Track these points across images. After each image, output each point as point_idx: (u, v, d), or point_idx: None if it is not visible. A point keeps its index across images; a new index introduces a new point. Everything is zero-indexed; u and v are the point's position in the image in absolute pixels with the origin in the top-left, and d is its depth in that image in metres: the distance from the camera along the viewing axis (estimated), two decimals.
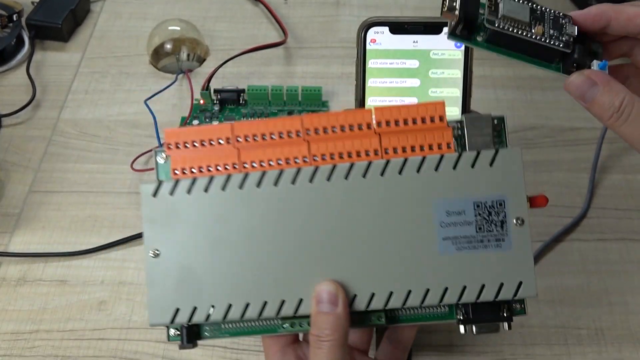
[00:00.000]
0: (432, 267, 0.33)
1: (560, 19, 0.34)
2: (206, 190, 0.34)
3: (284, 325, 0.34)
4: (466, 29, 0.34)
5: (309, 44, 0.67)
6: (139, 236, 0.52)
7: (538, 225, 0.51)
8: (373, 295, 0.33)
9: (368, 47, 0.45)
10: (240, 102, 0.60)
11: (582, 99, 0.34)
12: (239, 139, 0.34)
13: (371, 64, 0.45)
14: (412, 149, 0.34)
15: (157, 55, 0.64)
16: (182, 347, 0.35)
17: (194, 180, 0.34)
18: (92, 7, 0.71)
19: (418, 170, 0.33)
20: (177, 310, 0.34)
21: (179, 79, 0.63)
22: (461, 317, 0.34)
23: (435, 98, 0.45)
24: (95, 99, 0.62)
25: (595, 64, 0.34)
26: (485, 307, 0.34)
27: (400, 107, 0.34)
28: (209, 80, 0.60)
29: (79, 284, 0.50)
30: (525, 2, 0.34)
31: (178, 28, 0.64)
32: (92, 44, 0.67)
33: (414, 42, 0.45)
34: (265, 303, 0.33)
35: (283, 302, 0.33)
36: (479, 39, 0.35)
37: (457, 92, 0.45)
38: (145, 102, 0.58)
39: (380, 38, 0.45)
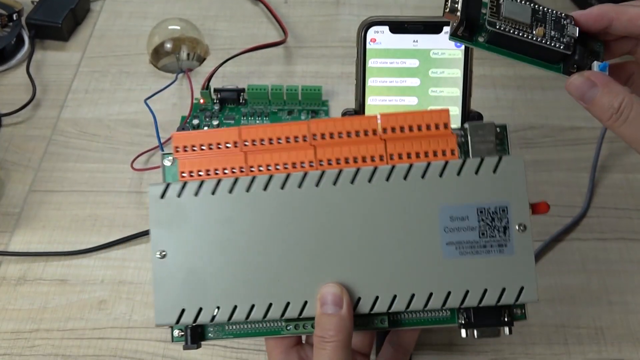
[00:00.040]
0: (435, 272, 0.34)
1: (562, 20, 0.34)
2: (213, 192, 0.34)
3: (288, 327, 0.35)
4: (467, 30, 0.34)
5: (309, 43, 0.67)
6: (139, 235, 0.52)
7: (538, 225, 0.51)
8: (377, 298, 0.34)
9: (368, 46, 0.45)
10: (240, 101, 0.60)
11: (582, 99, 0.34)
12: (246, 143, 0.35)
13: (371, 63, 0.45)
14: (417, 155, 0.34)
15: (157, 54, 0.64)
16: (186, 347, 0.35)
17: (201, 183, 0.34)
18: (92, 7, 0.71)
19: (423, 176, 0.34)
20: (183, 310, 0.34)
21: (179, 78, 0.63)
22: (463, 322, 0.35)
23: (435, 97, 0.45)
24: (95, 98, 0.62)
25: (595, 65, 0.34)
26: (486, 312, 0.34)
27: (406, 114, 0.35)
28: (209, 79, 0.60)
29: (79, 283, 0.50)
30: (527, 3, 0.34)
31: (178, 27, 0.64)
32: (92, 43, 0.67)
33: (414, 41, 0.45)
34: (270, 305, 0.34)
35: (288, 303, 0.34)
36: (481, 39, 0.35)
37: (457, 92, 0.45)
38: (145, 101, 0.58)
39: (380, 37, 0.45)
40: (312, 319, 0.34)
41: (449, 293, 0.33)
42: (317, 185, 0.34)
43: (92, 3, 0.71)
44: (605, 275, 0.50)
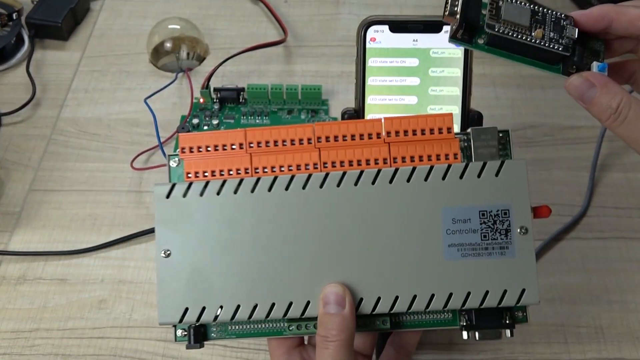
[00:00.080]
0: (437, 273, 0.34)
1: (562, 21, 0.34)
2: (218, 193, 0.35)
3: (291, 328, 0.35)
4: (467, 33, 0.35)
5: (309, 42, 0.67)
6: (139, 235, 0.52)
7: (538, 224, 0.50)
8: (379, 299, 0.34)
9: (368, 45, 0.45)
10: (240, 100, 0.60)
11: (581, 99, 0.34)
12: (251, 144, 0.35)
13: (371, 62, 0.45)
14: (420, 158, 0.35)
15: (157, 53, 0.64)
16: (189, 347, 0.35)
17: (206, 183, 0.35)
18: (92, 6, 0.71)
19: (426, 179, 0.34)
20: (186, 310, 0.34)
21: (178, 78, 0.63)
22: (464, 323, 0.35)
23: (435, 96, 0.45)
24: (95, 98, 0.62)
25: (594, 65, 0.34)
26: (488, 314, 0.34)
27: (410, 118, 0.35)
28: (208, 78, 0.60)
29: (79, 282, 0.50)
30: (527, 5, 0.34)
31: (178, 27, 0.64)
32: (92, 43, 0.67)
33: (413, 40, 0.45)
34: (273, 304, 0.34)
35: (291, 303, 0.34)
36: (480, 42, 0.35)
37: (457, 91, 0.45)
38: (145, 100, 0.58)
39: (380, 37, 0.45)
40: (315, 319, 0.34)
41: (451, 294, 0.34)
42: (321, 186, 0.34)
43: (91, 2, 0.71)
44: (605, 275, 0.50)
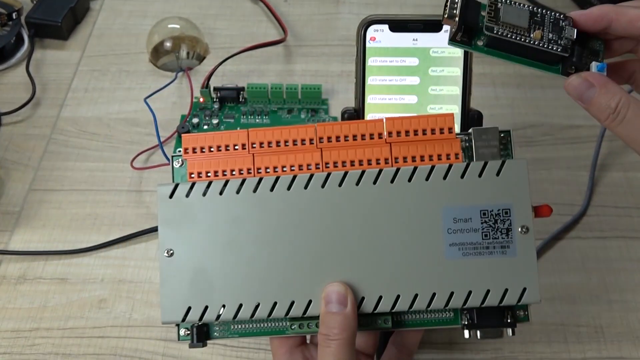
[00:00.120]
0: (438, 272, 0.34)
1: (561, 22, 0.35)
2: (221, 193, 0.35)
3: (293, 327, 0.35)
4: (466, 35, 0.35)
5: (309, 42, 0.67)
6: (138, 234, 0.52)
7: (538, 223, 0.50)
8: (380, 298, 0.34)
9: (368, 45, 0.45)
10: (240, 100, 0.60)
11: (580, 100, 0.34)
12: (254, 145, 0.36)
13: (371, 61, 0.45)
14: (422, 158, 0.35)
15: (157, 53, 0.64)
16: (192, 346, 0.36)
17: (209, 183, 0.35)
18: (91, 5, 0.71)
19: (427, 179, 0.34)
20: (189, 309, 0.35)
21: (178, 77, 0.63)
22: (466, 323, 0.35)
23: (435, 96, 0.45)
24: (95, 97, 0.62)
25: (593, 65, 0.35)
26: (489, 313, 0.35)
27: (411, 118, 0.35)
28: (208, 78, 0.60)
29: (79, 282, 0.50)
30: (525, 7, 0.34)
31: (178, 26, 0.64)
32: (91, 42, 0.67)
33: (413, 40, 0.45)
34: (275, 303, 0.34)
35: (293, 302, 0.34)
36: (479, 43, 0.35)
37: (457, 90, 0.45)
38: (145, 100, 0.58)
39: (380, 36, 0.45)
40: (317, 318, 0.34)
41: (452, 293, 0.34)
42: (322, 186, 0.35)
43: (91, 2, 0.71)
44: (605, 274, 0.50)
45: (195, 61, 0.65)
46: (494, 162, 0.34)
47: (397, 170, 0.34)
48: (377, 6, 0.70)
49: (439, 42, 0.44)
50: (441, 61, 0.45)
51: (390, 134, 0.35)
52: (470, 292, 0.34)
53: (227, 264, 0.35)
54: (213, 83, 0.60)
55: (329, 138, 0.35)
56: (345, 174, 0.34)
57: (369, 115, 0.45)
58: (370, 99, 0.45)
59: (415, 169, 0.34)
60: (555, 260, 0.51)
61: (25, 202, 0.55)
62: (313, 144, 0.35)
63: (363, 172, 0.34)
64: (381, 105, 0.45)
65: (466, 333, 0.35)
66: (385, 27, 0.44)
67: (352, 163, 0.35)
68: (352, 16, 0.69)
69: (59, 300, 0.49)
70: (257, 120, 0.59)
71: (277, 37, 0.65)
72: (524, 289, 0.34)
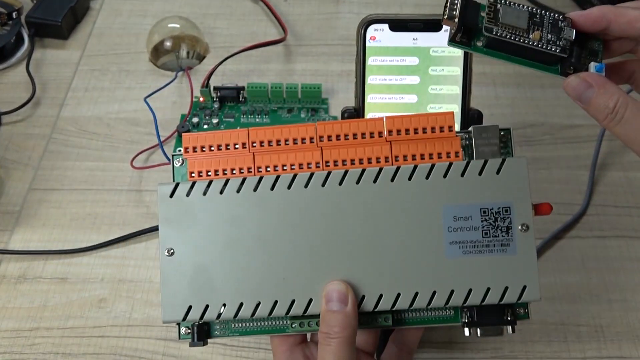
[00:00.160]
0: (439, 270, 0.34)
1: (560, 22, 0.35)
2: (221, 192, 0.35)
3: (293, 325, 0.35)
4: (466, 36, 0.35)
5: (309, 41, 0.67)
6: (138, 234, 0.52)
7: (538, 223, 0.50)
8: (381, 296, 0.34)
9: (368, 44, 0.45)
10: (240, 99, 0.60)
11: (579, 100, 0.35)
12: (254, 144, 0.36)
13: (371, 61, 0.45)
14: (422, 156, 0.35)
15: (157, 52, 0.64)
16: (192, 344, 0.36)
17: (209, 183, 0.35)
18: (91, 5, 0.71)
19: (427, 177, 0.34)
20: (190, 308, 0.35)
21: (178, 77, 0.63)
22: (466, 320, 0.35)
23: (435, 95, 0.45)
24: (95, 97, 0.62)
25: (592, 66, 0.35)
26: (489, 311, 0.35)
27: (411, 117, 0.35)
28: (208, 77, 0.60)
29: (79, 281, 0.50)
30: (524, 8, 0.35)
31: (178, 25, 0.64)
32: (91, 42, 0.67)
33: (413, 39, 0.45)
34: (275, 302, 0.34)
35: (293, 301, 0.34)
36: (479, 44, 0.36)
37: (457, 90, 0.45)
38: (145, 99, 0.58)
39: (380, 35, 0.45)
40: (317, 316, 0.34)
41: (452, 291, 0.34)
42: (323, 185, 0.35)
43: (91, 1, 0.71)
44: (605, 273, 0.50)
45: (195, 60, 0.65)
46: (494, 161, 0.34)
47: (398, 168, 0.34)
48: (377, 5, 0.70)
49: (439, 41, 0.44)
50: (441, 60, 0.45)
51: (390, 132, 0.35)
52: (470, 290, 0.34)
53: (228, 263, 0.35)
54: (213, 82, 0.60)
55: (329, 137, 0.35)
56: (346, 172, 0.35)
57: (369, 115, 0.45)
58: (370, 98, 0.45)
59: (415, 167, 0.34)
60: (555, 259, 0.51)
61: (25, 202, 0.55)
62: (313, 142, 0.35)
63: (363, 171, 0.34)
64: (381, 105, 0.45)
65: (466, 331, 0.35)
66: (385, 26, 0.44)
67: (352, 162, 0.35)
68: (352, 15, 0.69)
69: (59, 299, 0.49)
70: (257, 120, 0.59)
71: (277, 37, 0.65)
72: (524, 287, 0.34)
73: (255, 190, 0.35)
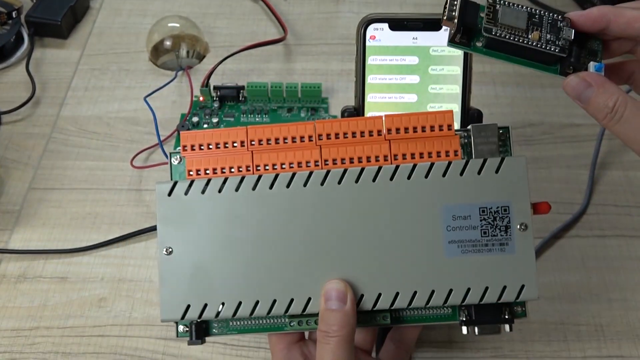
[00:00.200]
0: (437, 269, 0.34)
1: (559, 22, 0.35)
2: (220, 190, 0.35)
3: (292, 323, 0.35)
4: (465, 37, 0.35)
5: (309, 40, 0.67)
6: (138, 233, 0.52)
7: (537, 222, 0.50)
8: (380, 295, 0.34)
9: (368, 43, 0.45)
10: (240, 99, 0.60)
11: (578, 99, 0.35)
12: (252, 142, 0.36)
13: (371, 60, 0.45)
14: (421, 155, 0.35)
15: (157, 52, 0.64)
16: (190, 343, 0.36)
17: (208, 181, 0.35)
18: (91, 4, 0.71)
19: (426, 176, 0.35)
20: (188, 306, 0.35)
21: (178, 76, 0.63)
22: (464, 319, 0.35)
23: (434, 95, 0.45)
24: (94, 96, 0.62)
25: (591, 65, 0.35)
26: (487, 309, 0.35)
27: (410, 115, 0.35)
28: (208, 77, 0.60)
29: (79, 280, 0.50)
30: (523, 8, 0.35)
31: (177, 25, 0.64)
32: (91, 41, 0.67)
33: (413, 38, 0.45)
34: (274, 301, 0.34)
35: (292, 300, 0.34)
36: (479, 45, 0.36)
37: (457, 89, 0.45)
38: (145, 99, 0.58)
39: (379, 35, 0.44)
40: (316, 315, 0.34)
41: (451, 291, 0.34)
42: (322, 184, 0.35)
43: (91, 1, 0.71)
44: (605, 273, 0.50)
45: (195, 60, 0.65)
46: (493, 160, 0.34)
47: (397, 167, 0.34)
48: (377, 5, 0.70)
49: (438, 40, 0.44)
50: (441, 60, 0.45)
51: (389, 131, 0.35)
52: (469, 289, 0.34)
53: (226, 262, 0.35)
54: (213, 82, 0.60)
55: (328, 135, 0.35)
56: (345, 171, 0.35)
57: (368, 114, 0.45)
58: (370, 97, 0.45)
59: (414, 166, 0.34)
60: (555, 259, 0.51)
61: (25, 201, 0.55)
62: (312, 141, 0.35)
63: (362, 170, 0.34)
64: (381, 104, 0.45)
65: (464, 329, 0.35)
66: (385, 25, 0.44)
67: (351, 160, 0.35)
68: (352, 15, 0.69)
69: (59, 299, 0.49)
70: (257, 119, 0.59)
71: (277, 36, 0.65)
72: (522, 286, 0.34)
73: (254, 189, 0.35)
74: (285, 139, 0.35)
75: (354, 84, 0.46)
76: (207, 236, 0.35)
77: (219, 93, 0.60)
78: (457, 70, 0.45)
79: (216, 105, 0.60)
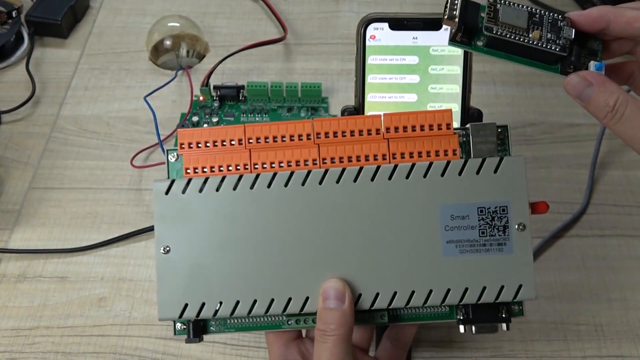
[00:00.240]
0: (435, 269, 0.34)
1: (559, 22, 0.35)
2: (217, 189, 0.35)
3: (289, 322, 0.36)
4: (466, 36, 0.35)
5: (309, 40, 0.67)
6: (138, 233, 0.52)
7: (537, 222, 0.51)
8: (377, 294, 0.34)
9: (368, 43, 0.45)
10: (240, 98, 0.60)
11: (579, 98, 0.35)
12: (250, 140, 0.35)
13: (371, 60, 0.45)
14: (419, 154, 0.35)
15: (157, 51, 0.64)
16: (188, 341, 0.36)
17: (205, 180, 0.35)
18: (91, 4, 0.71)
19: (425, 175, 0.35)
20: (186, 305, 0.35)
21: (178, 76, 0.63)
22: (461, 317, 0.35)
23: (435, 94, 0.45)
24: (94, 96, 0.62)
25: (592, 65, 0.35)
26: (484, 308, 0.35)
27: (409, 114, 0.35)
28: (208, 76, 0.60)
29: (79, 280, 0.50)
30: (524, 7, 0.35)
31: (177, 24, 0.64)
32: (91, 41, 0.67)
33: (413, 38, 0.45)
34: (272, 300, 0.34)
35: (290, 299, 0.34)
36: (479, 44, 0.36)
37: (457, 89, 0.45)
38: (144, 98, 0.58)
39: (379, 34, 0.44)
40: (314, 314, 0.35)
41: (449, 290, 0.34)
42: (320, 183, 0.35)
43: (91, 0, 0.71)
44: (605, 272, 0.50)
45: (195, 59, 0.65)
46: (492, 159, 0.34)
47: (395, 167, 0.34)
48: (377, 4, 0.70)
49: (438, 40, 0.44)
50: (441, 59, 0.45)
51: (388, 129, 0.35)
52: (466, 289, 0.34)
53: (224, 261, 0.34)
54: (213, 81, 0.60)
55: (326, 134, 0.35)
56: (343, 170, 0.34)
57: (368, 114, 0.45)
58: (370, 97, 0.45)
59: (413, 165, 0.34)
60: (555, 258, 0.51)
61: (25, 201, 0.55)
62: (310, 139, 0.35)
63: (361, 169, 0.34)
64: (381, 104, 0.45)
65: (461, 328, 0.35)
66: (385, 25, 0.44)
67: (349, 159, 0.35)
68: (352, 14, 0.69)
69: (58, 298, 0.49)
70: (257, 119, 0.59)
71: (277, 36, 0.65)
72: (520, 286, 0.34)
73: (252, 187, 0.35)
74: (283, 137, 0.35)
75: (354, 84, 0.46)
76: (205, 235, 0.35)
77: (219, 92, 0.60)
78: (457, 69, 0.45)
79: (216, 104, 0.60)
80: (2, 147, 0.58)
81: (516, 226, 0.34)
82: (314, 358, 0.33)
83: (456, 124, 0.45)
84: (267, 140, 0.35)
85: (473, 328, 0.35)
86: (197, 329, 0.36)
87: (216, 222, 0.35)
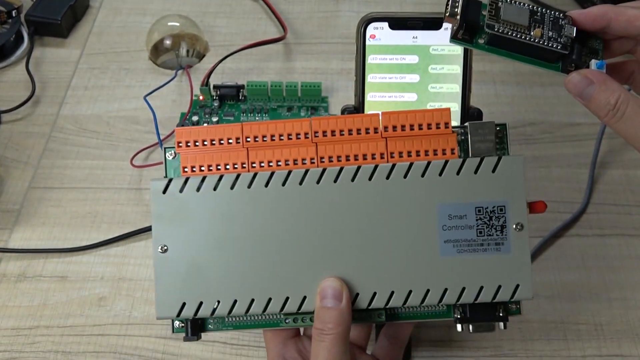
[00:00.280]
0: (433, 269, 0.34)
1: (560, 20, 0.35)
2: (215, 188, 0.35)
3: (287, 320, 0.36)
4: (467, 33, 0.35)
5: (309, 39, 0.67)
6: (138, 232, 0.52)
7: (537, 221, 0.51)
8: (375, 294, 0.34)
9: (368, 42, 0.45)
10: (240, 98, 0.60)
11: (580, 96, 0.35)
12: (248, 139, 0.35)
13: (371, 59, 0.45)
14: (417, 153, 0.35)
15: (157, 51, 0.64)
16: (186, 339, 0.36)
17: (203, 179, 0.35)
18: (91, 3, 0.71)
19: (423, 175, 0.34)
20: (184, 304, 0.35)
21: (178, 75, 0.63)
22: (459, 316, 0.35)
23: (434, 94, 0.45)
24: (94, 95, 0.62)
25: (593, 63, 0.35)
26: (482, 307, 0.35)
27: (407, 113, 0.35)
28: (208, 76, 0.60)
29: (79, 279, 0.50)
30: (525, 5, 0.35)
31: (177, 24, 0.64)
32: (91, 40, 0.67)
33: (413, 37, 0.45)
34: (270, 299, 0.34)
35: (287, 298, 0.34)
36: (481, 41, 0.36)
37: (457, 88, 0.45)
38: (144, 98, 0.58)
39: (379, 34, 0.44)
40: (311, 312, 0.35)
41: (446, 290, 0.34)
42: (318, 182, 0.34)
43: (91, 0, 0.71)
44: (605, 272, 0.50)
45: (195, 59, 0.65)
46: (490, 159, 0.34)
47: (393, 166, 0.34)
48: (377, 4, 0.70)
49: (438, 39, 0.44)
50: (441, 59, 0.45)
51: (386, 128, 0.35)
52: (464, 289, 0.34)
53: (222, 260, 0.34)
54: (213, 81, 0.60)
55: (324, 132, 0.35)
56: (341, 169, 0.34)
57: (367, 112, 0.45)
58: (370, 96, 0.45)
59: (411, 165, 0.34)
60: (555, 258, 0.51)
61: (25, 200, 0.55)
62: (308, 138, 0.35)
63: (359, 168, 0.34)
64: (381, 103, 0.45)
65: (459, 327, 0.35)
66: (385, 24, 0.44)
67: (347, 158, 0.35)
68: (352, 14, 0.69)
69: (58, 298, 0.49)
70: (257, 118, 0.59)
71: (277, 35, 0.65)
72: (517, 286, 0.34)
73: (249, 186, 0.34)
74: (281, 135, 0.35)
75: (353, 83, 0.46)
76: (203, 234, 0.35)
77: (218, 92, 0.60)
78: (457, 69, 0.45)
79: (216, 104, 0.60)
80: (2, 147, 0.58)
81: (514, 226, 0.34)
82: (311, 356, 0.34)
83: (456, 123, 0.45)
84: (265, 139, 0.35)
85: (470, 327, 0.35)
86: (195, 327, 0.36)
87: (214, 221, 0.35)
